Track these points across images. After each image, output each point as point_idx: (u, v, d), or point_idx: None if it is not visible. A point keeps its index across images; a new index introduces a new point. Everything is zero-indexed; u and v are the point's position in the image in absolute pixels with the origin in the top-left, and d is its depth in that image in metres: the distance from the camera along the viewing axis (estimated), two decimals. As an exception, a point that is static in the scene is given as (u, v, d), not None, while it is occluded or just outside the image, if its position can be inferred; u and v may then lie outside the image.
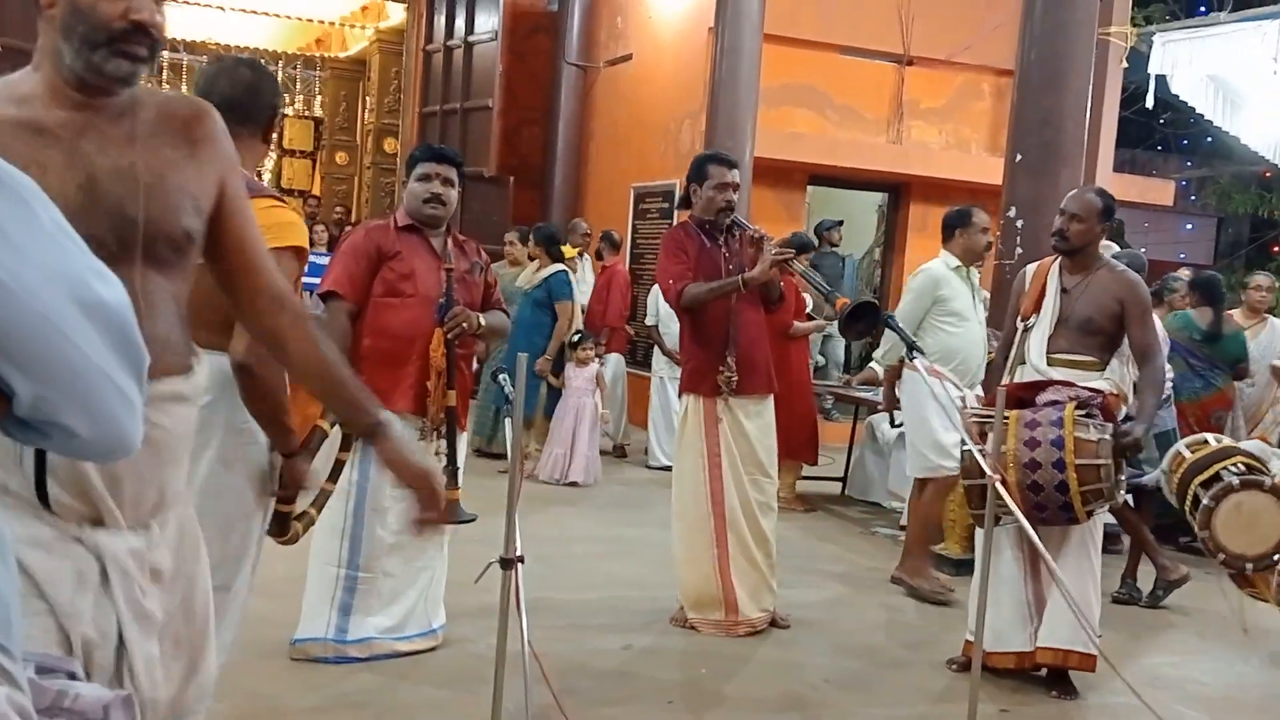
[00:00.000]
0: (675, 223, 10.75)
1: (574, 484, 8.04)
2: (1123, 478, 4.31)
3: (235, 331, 2.58)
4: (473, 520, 4.14)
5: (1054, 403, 4.24)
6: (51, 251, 0.94)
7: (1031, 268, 4.78)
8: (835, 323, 5.49)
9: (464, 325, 4.13)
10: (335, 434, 3.13)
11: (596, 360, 9.17)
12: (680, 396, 5.07)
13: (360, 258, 4.16)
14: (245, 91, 2.83)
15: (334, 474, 3.24)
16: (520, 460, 3.07)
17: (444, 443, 4.12)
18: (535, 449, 8.35)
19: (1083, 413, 4.20)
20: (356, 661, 4.16)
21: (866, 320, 4.71)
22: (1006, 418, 4.14)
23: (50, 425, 0.98)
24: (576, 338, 8.56)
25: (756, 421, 4.98)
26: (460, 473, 4.16)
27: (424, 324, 4.14)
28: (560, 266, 8.57)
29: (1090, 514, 4.24)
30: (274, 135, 3.06)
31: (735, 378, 4.84)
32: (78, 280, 0.95)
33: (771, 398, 5.07)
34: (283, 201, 2.92)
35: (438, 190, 4.22)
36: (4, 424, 0.98)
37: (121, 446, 1.04)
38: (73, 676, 1.00)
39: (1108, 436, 4.14)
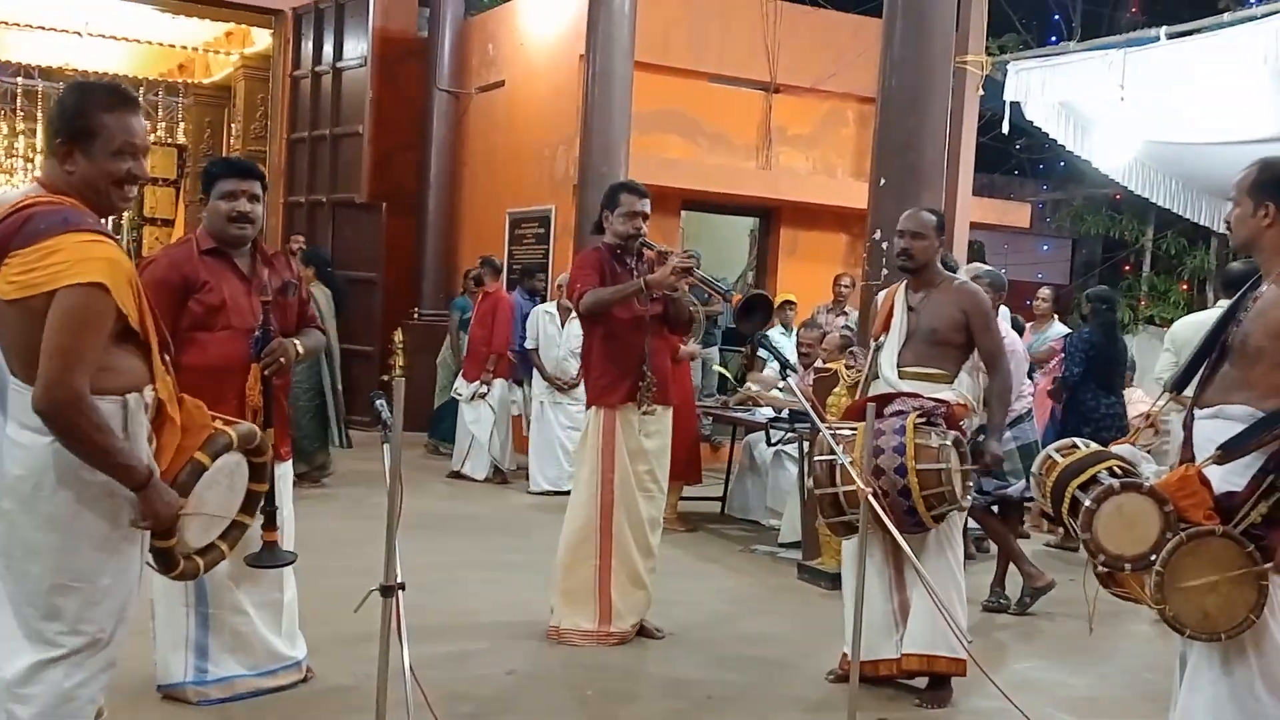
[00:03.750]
0: (552, 249, 10.85)
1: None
2: (969, 482, 4.46)
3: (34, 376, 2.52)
4: (292, 561, 4.01)
5: (899, 413, 4.38)
6: None
7: (883, 293, 4.99)
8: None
9: (281, 360, 3.86)
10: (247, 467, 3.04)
11: (483, 385, 9.17)
12: (587, 409, 5.14)
13: (164, 290, 3.71)
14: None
15: (247, 506, 3.08)
16: (399, 484, 3.03)
17: None
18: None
19: (923, 420, 4.35)
20: (224, 702, 3.99)
21: (761, 312, 5.14)
22: (854, 429, 4.31)
23: None
24: None
25: (656, 439, 5.08)
26: (280, 512, 3.92)
27: (238, 358, 3.83)
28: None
29: (938, 519, 4.36)
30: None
31: (655, 387, 4.98)
32: None
33: (670, 413, 5.19)
34: (105, 236, 2.66)
35: (245, 209, 3.91)
36: None
37: None
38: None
39: (949, 443, 4.29)
